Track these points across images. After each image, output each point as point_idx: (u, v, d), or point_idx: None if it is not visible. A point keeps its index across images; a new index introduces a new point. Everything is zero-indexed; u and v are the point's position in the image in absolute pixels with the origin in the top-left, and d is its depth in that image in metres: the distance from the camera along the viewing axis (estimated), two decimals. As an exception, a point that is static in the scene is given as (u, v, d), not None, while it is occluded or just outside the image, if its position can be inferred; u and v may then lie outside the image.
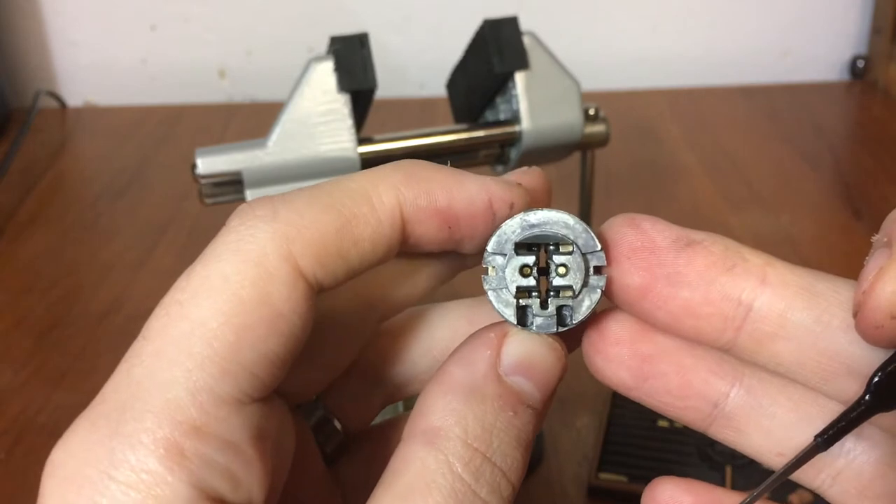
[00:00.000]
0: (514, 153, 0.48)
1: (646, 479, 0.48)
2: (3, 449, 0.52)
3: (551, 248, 0.22)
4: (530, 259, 0.21)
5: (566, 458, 0.49)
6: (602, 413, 0.51)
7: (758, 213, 0.75)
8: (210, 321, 0.19)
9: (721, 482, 0.46)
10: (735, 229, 0.72)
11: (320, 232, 0.20)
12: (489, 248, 0.22)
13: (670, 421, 0.50)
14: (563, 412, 0.53)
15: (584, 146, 0.50)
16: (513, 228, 0.22)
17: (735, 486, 0.46)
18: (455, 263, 0.25)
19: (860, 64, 1.01)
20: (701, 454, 0.48)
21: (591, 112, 0.49)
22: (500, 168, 0.50)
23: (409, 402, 0.39)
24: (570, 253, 0.21)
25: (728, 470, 0.47)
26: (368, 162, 0.45)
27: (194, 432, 0.18)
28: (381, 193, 0.21)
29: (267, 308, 0.19)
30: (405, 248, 0.21)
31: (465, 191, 0.22)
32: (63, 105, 1.01)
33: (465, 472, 0.19)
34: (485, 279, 0.22)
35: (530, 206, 0.22)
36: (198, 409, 0.18)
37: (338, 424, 0.25)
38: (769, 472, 0.22)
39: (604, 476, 0.47)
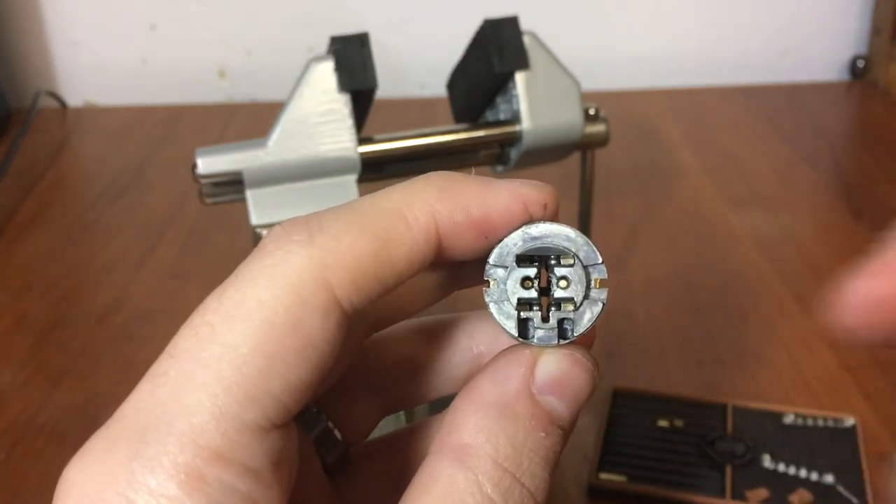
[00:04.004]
0: (514, 153, 0.48)
1: (646, 480, 0.48)
2: (3, 449, 0.52)
3: (553, 261, 0.22)
4: (531, 271, 0.22)
5: (566, 458, 0.49)
6: (602, 413, 0.51)
7: (758, 213, 0.75)
8: (241, 346, 0.18)
9: (721, 482, 0.46)
10: (735, 229, 0.72)
11: (357, 257, 0.20)
12: (490, 260, 0.22)
13: (670, 421, 0.51)
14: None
15: (584, 146, 0.50)
16: (514, 241, 0.22)
17: (735, 486, 0.46)
18: (454, 281, 0.25)
19: (860, 64, 1.01)
20: (701, 454, 0.48)
21: (591, 112, 0.49)
22: (500, 168, 0.50)
23: (410, 414, 0.39)
24: (571, 265, 0.21)
25: (728, 470, 0.47)
26: (369, 162, 0.45)
27: (217, 458, 0.18)
28: (415, 211, 0.21)
29: (299, 336, 0.19)
30: (438, 260, 0.21)
31: (499, 198, 0.21)
32: (63, 105, 1.01)
33: (494, 493, 0.19)
34: (486, 292, 0.22)
35: (534, 219, 0.22)
36: (222, 436, 0.18)
37: (338, 435, 0.25)
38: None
39: (604, 476, 0.47)
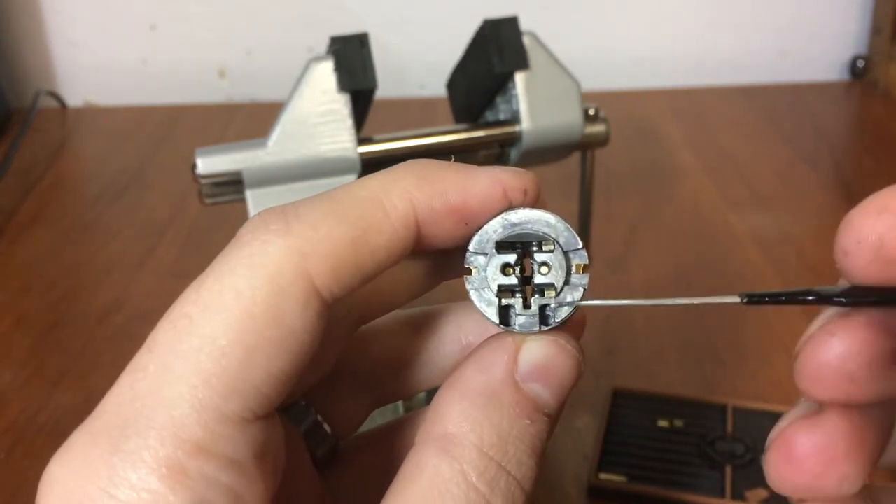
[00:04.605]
0: (514, 153, 0.48)
1: (646, 480, 0.48)
2: (3, 449, 0.52)
3: (534, 247, 0.22)
4: (511, 258, 0.21)
5: (566, 458, 0.49)
6: (602, 413, 0.51)
7: (758, 213, 0.75)
8: (220, 338, 0.18)
9: (721, 482, 0.46)
10: (735, 229, 0.72)
11: (335, 245, 0.19)
12: (471, 247, 0.22)
13: (670, 421, 0.50)
14: (563, 412, 0.53)
15: (584, 146, 0.50)
16: (494, 227, 0.22)
17: (735, 486, 0.46)
18: (439, 271, 0.25)
19: (860, 64, 1.01)
20: (701, 454, 0.48)
21: (591, 112, 0.49)
22: (500, 168, 0.50)
23: (409, 403, 0.39)
24: (551, 251, 0.21)
25: (728, 470, 0.47)
26: (368, 162, 0.45)
27: (198, 451, 0.18)
28: (394, 199, 0.20)
29: (279, 326, 0.19)
30: (419, 248, 0.21)
31: (479, 185, 0.21)
32: (63, 105, 1.01)
33: (479, 482, 0.19)
34: (467, 279, 0.22)
35: (514, 205, 0.22)
36: (203, 428, 0.18)
37: (328, 428, 0.25)
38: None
39: (604, 476, 0.47)
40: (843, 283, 0.20)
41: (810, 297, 0.20)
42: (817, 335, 0.19)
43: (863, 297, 0.19)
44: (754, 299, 0.20)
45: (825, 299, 0.19)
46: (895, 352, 0.19)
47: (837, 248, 0.19)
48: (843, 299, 0.19)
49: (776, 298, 0.20)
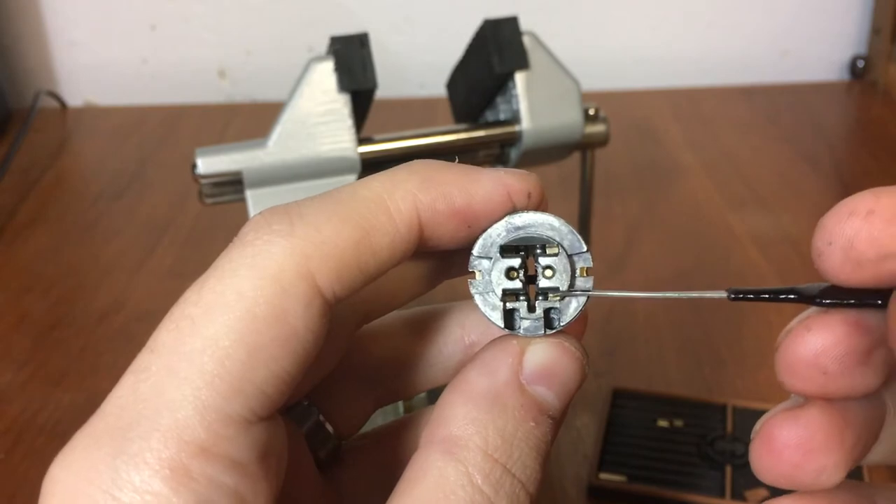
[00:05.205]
0: (514, 153, 0.48)
1: (646, 480, 0.48)
2: (3, 449, 0.52)
3: (538, 250, 0.22)
4: (515, 262, 0.21)
5: (566, 458, 0.49)
6: (602, 413, 0.51)
7: (758, 213, 0.75)
8: (223, 339, 0.18)
9: (721, 482, 0.46)
10: (735, 229, 0.72)
11: (339, 247, 0.19)
12: (475, 251, 0.22)
13: (670, 421, 0.51)
14: (563, 412, 0.53)
15: (584, 146, 0.50)
16: (498, 231, 0.22)
17: (735, 486, 0.46)
18: (442, 270, 0.25)
19: (860, 64, 1.01)
20: (701, 454, 0.48)
21: (591, 112, 0.49)
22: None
23: (409, 403, 0.39)
24: (556, 255, 0.21)
25: (728, 470, 0.47)
26: (369, 162, 0.45)
27: (201, 453, 0.18)
28: (397, 200, 0.20)
29: (282, 327, 0.19)
30: (421, 249, 0.21)
31: (483, 188, 0.21)
32: (63, 105, 1.01)
33: (484, 485, 0.19)
34: (471, 283, 0.22)
35: (518, 208, 0.22)
36: (206, 430, 0.18)
37: (330, 428, 0.25)
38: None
39: (604, 476, 0.47)
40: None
41: (791, 296, 0.20)
42: (795, 329, 0.20)
43: (839, 298, 0.19)
44: (739, 295, 0.21)
45: (805, 299, 0.20)
46: (868, 348, 0.19)
47: (812, 250, 0.19)
48: (820, 300, 0.19)
49: (760, 296, 0.21)
